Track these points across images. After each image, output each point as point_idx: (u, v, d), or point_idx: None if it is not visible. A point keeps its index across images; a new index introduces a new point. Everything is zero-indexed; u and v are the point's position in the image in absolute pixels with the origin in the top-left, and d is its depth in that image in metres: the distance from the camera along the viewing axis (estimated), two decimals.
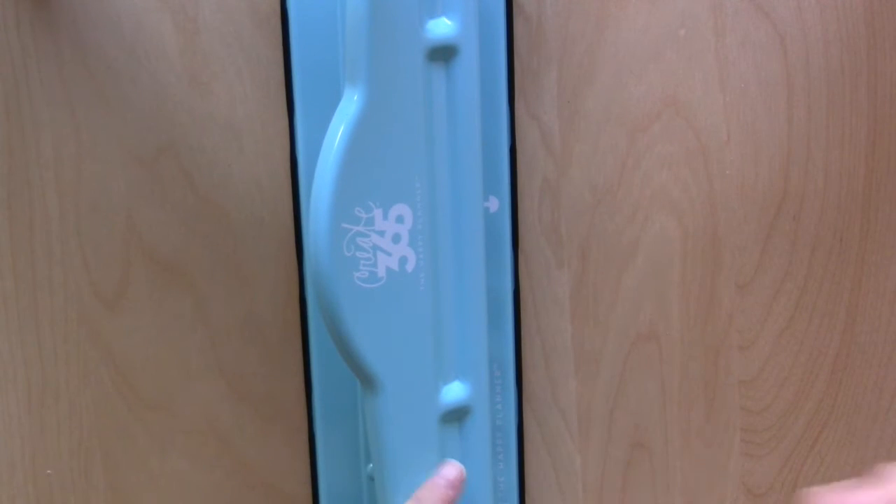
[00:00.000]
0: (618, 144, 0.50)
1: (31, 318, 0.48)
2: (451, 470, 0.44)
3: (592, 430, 0.52)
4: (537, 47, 0.49)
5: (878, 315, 0.52)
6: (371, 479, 0.48)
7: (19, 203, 0.47)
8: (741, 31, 0.49)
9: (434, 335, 0.44)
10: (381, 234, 0.42)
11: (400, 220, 0.42)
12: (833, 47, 0.49)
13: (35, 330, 0.48)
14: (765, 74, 0.49)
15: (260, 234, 0.49)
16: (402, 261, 0.43)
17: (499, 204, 0.48)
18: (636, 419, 0.52)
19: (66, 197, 0.47)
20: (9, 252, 0.47)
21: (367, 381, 0.42)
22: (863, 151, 0.50)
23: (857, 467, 0.54)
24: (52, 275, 0.48)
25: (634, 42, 0.49)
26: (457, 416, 0.45)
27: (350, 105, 0.41)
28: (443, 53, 0.43)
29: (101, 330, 0.48)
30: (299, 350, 0.49)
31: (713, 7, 0.49)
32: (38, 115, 0.47)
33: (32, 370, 0.48)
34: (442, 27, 0.43)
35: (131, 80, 0.47)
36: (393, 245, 0.42)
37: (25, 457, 0.48)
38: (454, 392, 0.45)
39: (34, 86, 0.47)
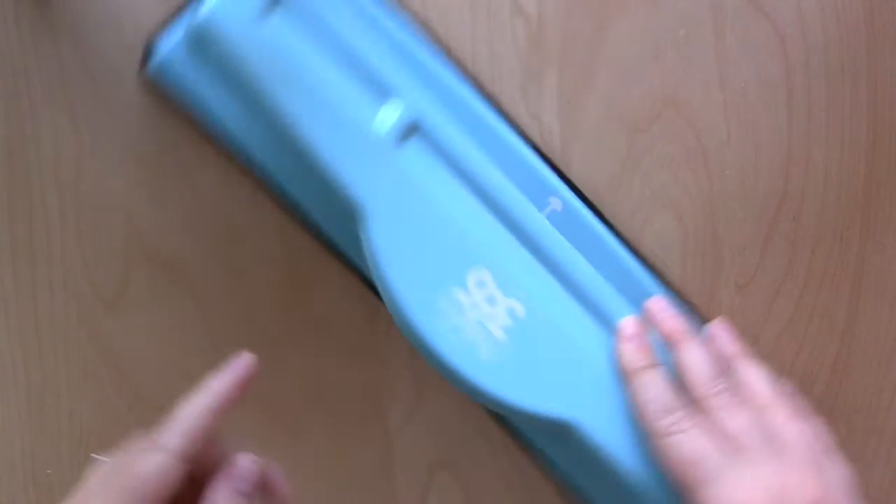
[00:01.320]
0: (618, 144, 0.50)
1: (31, 318, 0.48)
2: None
3: None
4: (537, 47, 0.49)
5: (878, 315, 0.52)
6: None
7: (19, 203, 0.47)
8: (741, 31, 0.49)
9: (578, 346, 0.44)
10: (476, 306, 0.42)
11: (482, 284, 0.42)
12: (833, 47, 0.49)
13: (35, 330, 0.48)
14: (765, 74, 0.49)
15: (260, 234, 0.49)
16: (511, 312, 0.43)
17: (562, 202, 0.48)
18: None
19: (66, 197, 0.47)
20: (9, 252, 0.47)
21: (558, 429, 0.43)
22: (863, 151, 0.50)
23: (857, 466, 0.54)
24: (52, 275, 0.48)
25: (634, 42, 0.49)
26: None
27: (366, 226, 0.41)
28: (411, 131, 0.43)
29: (101, 330, 0.48)
30: (300, 350, 0.49)
31: (713, 7, 0.49)
32: (38, 115, 0.47)
33: (32, 370, 0.48)
34: (392, 113, 0.43)
35: (131, 80, 0.47)
36: (492, 307, 0.42)
37: (25, 457, 0.48)
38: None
39: (34, 86, 0.47)
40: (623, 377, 0.44)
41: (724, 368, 0.44)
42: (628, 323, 0.45)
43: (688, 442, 0.41)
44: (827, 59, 0.49)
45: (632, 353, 0.44)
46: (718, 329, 0.47)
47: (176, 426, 0.37)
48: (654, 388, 0.42)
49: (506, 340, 0.42)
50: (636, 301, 0.47)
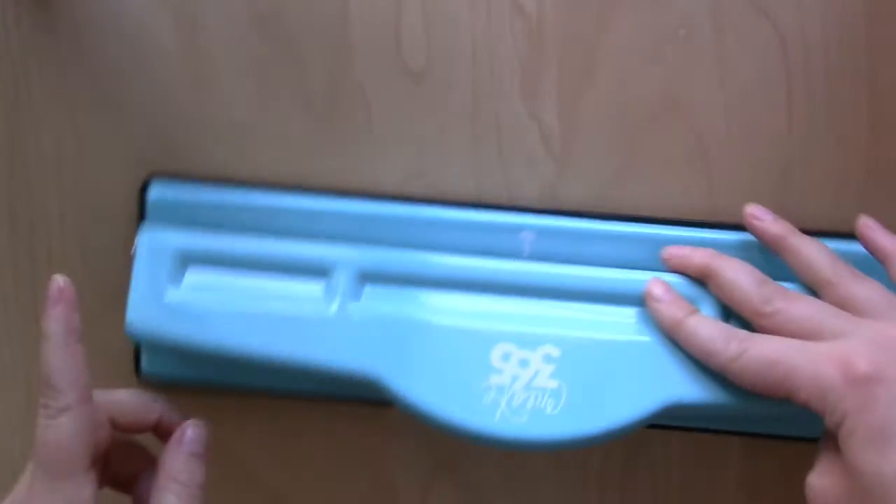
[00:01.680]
0: (618, 144, 0.50)
1: (31, 318, 0.48)
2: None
3: None
4: (537, 47, 0.49)
5: None
6: None
7: (19, 204, 0.47)
8: (741, 31, 0.49)
9: (624, 340, 0.44)
10: (516, 377, 0.42)
11: (507, 356, 0.43)
12: (833, 47, 0.49)
13: (35, 330, 0.48)
14: (765, 74, 0.49)
15: None
16: (547, 358, 0.43)
17: (532, 231, 0.47)
18: None
19: (67, 198, 0.47)
20: (9, 253, 0.47)
21: (665, 414, 0.43)
22: (863, 151, 0.50)
23: None
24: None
25: (634, 42, 0.49)
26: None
27: (388, 389, 0.42)
28: (361, 283, 0.44)
29: (100, 330, 0.48)
30: None
31: (713, 7, 0.49)
32: (38, 115, 0.47)
33: (32, 370, 0.48)
34: (335, 283, 0.44)
35: (131, 80, 0.47)
36: (528, 367, 0.43)
37: (25, 457, 0.48)
38: None
39: (34, 86, 0.47)
40: (670, 336, 0.43)
41: (770, 274, 0.42)
42: (653, 285, 0.44)
43: (761, 349, 0.39)
44: (827, 59, 0.49)
45: (666, 310, 0.43)
46: (756, 210, 0.45)
47: (58, 384, 0.38)
48: (705, 327, 0.42)
49: (560, 384, 0.42)
50: (659, 264, 0.46)
